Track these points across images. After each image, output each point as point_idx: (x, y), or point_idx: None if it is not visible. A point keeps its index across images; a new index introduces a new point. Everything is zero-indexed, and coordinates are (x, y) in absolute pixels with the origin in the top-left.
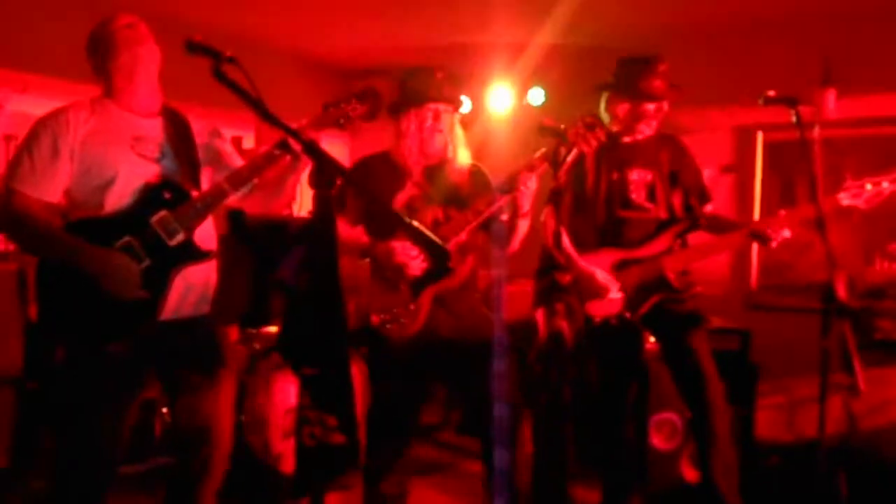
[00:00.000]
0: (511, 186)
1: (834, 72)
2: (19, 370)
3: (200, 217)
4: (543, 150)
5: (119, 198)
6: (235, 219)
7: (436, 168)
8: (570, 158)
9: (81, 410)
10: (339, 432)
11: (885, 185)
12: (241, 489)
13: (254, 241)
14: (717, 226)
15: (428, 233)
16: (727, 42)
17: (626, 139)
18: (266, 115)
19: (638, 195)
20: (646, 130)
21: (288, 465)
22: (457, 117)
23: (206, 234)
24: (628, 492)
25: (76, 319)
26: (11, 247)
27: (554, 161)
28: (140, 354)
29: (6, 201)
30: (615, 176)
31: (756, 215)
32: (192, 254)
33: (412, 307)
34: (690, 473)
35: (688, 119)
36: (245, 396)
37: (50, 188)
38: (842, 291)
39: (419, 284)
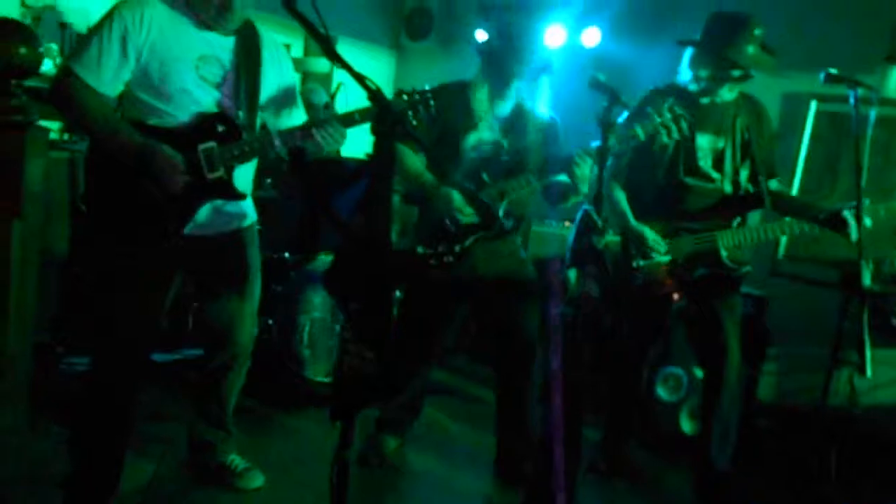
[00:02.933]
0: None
1: None
2: (65, 254)
3: (244, 160)
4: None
5: (173, 114)
6: (296, 153)
7: (514, 113)
8: (619, 120)
9: (114, 303)
10: (374, 365)
11: None
12: (267, 389)
13: (310, 176)
14: (783, 205)
15: (479, 198)
16: (791, 6)
17: (704, 100)
18: (333, 56)
19: (705, 162)
20: (726, 95)
21: (310, 370)
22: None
23: (246, 176)
24: (627, 435)
25: (112, 218)
26: (64, 135)
27: (604, 121)
28: (169, 259)
29: (64, 81)
30: (685, 139)
31: (797, 185)
32: (225, 191)
33: (458, 249)
34: (687, 425)
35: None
36: (276, 303)
37: (110, 83)
38: (866, 279)
39: (468, 230)
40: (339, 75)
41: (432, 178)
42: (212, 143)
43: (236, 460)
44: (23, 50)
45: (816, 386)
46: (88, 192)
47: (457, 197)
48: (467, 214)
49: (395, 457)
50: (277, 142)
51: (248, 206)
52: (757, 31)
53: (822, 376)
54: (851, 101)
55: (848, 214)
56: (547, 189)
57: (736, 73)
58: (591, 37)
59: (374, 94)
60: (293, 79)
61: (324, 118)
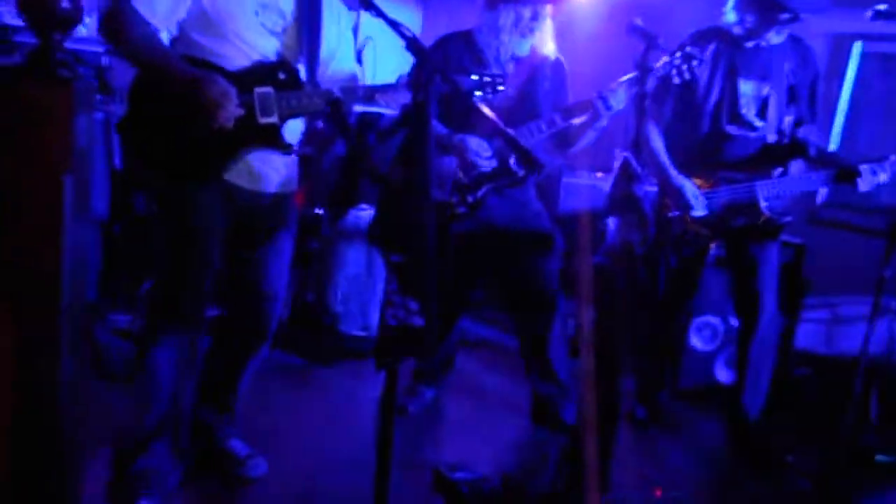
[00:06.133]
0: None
1: None
2: (105, 214)
3: (300, 112)
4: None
5: (230, 58)
6: (335, 106)
7: (522, 59)
8: (657, 65)
9: (174, 244)
10: (419, 315)
11: None
12: (304, 344)
13: (348, 130)
14: (818, 157)
15: (521, 143)
16: None
17: (749, 44)
18: (366, 3)
19: (748, 110)
20: (773, 39)
21: (345, 325)
22: (549, 9)
23: (295, 130)
24: (660, 385)
25: (163, 155)
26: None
27: (642, 66)
28: (218, 203)
29: (115, 10)
30: (728, 85)
31: (838, 129)
32: (274, 141)
33: (471, 200)
34: (723, 374)
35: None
36: (312, 259)
37: (164, 18)
38: None
39: (480, 180)
40: (367, 29)
41: (445, 130)
42: (269, 89)
43: (238, 446)
44: (65, 3)
45: (856, 334)
46: (132, 122)
47: (472, 142)
48: (484, 160)
49: (432, 407)
50: (339, 97)
51: (295, 173)
52: None
53: (861, 324)
54: None
55: (865, 168)
56: (555, 135)
57: (784, 15)
58: None
59: (411, 42)
60: (351, 40)
61: (390, 84)
